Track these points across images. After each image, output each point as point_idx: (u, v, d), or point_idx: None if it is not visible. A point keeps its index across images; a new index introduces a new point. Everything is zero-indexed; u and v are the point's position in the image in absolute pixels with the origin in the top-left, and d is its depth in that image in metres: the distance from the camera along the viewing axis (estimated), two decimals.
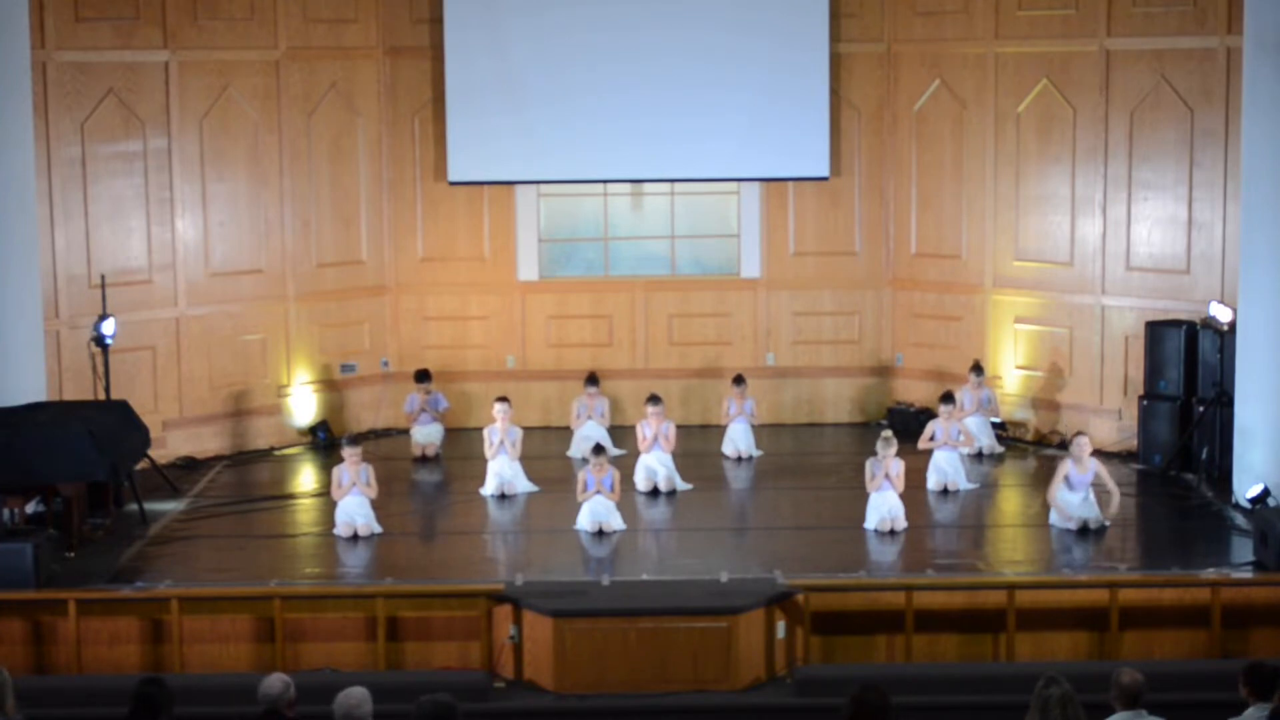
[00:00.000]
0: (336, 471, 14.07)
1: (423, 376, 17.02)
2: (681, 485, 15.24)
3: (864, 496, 13.95)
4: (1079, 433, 14.28)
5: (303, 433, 17.42)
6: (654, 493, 15.09)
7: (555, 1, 17.50)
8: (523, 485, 15.23)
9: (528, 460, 15.49)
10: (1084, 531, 13.50)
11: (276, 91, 17.00)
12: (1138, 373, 16.10)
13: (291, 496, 15.41)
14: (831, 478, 15.72)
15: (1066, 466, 13.75)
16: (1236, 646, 11.73)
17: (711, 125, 17.55)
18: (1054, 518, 13.78)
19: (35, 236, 14.52)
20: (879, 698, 7.24)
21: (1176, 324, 15.68)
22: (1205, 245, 15.93)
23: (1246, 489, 13.90)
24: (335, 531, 13.87)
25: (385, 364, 17.98)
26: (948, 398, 15.67)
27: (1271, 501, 13.61)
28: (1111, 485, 13.89)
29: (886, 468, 13.81)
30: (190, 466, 16.31)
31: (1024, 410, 17.16)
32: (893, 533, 13.64)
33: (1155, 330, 15.79)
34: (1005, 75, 17.04)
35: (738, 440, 16.54)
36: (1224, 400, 14.78)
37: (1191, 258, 16.05)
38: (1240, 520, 13.76)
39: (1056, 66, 16.68)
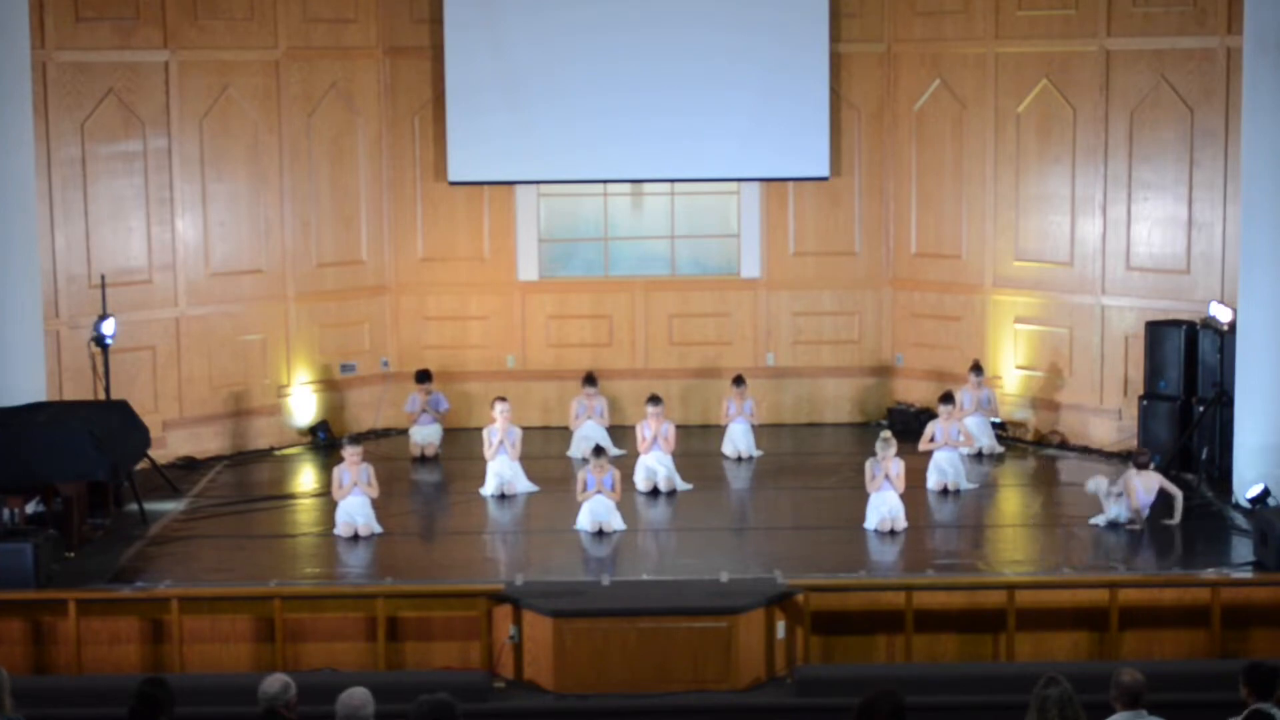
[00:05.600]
0: (337, 472, 14.07)
1: (423, 377, 17.02)
2: (681, 485, 15.24)
3: (864, 496, 13.95)
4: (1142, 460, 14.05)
5: (303, 433, 17.42)
6: (654, 493, 15.09)
7: (555, 1, 17.50)
8: (522, 485, 15.23)
9: (527, 460, 15.49)
10: (1115, 526, 13.58)
11: (276, 91, 17.01)
12: (1138, 373, 16.10)
13: (291, 496, 15.41)
14: (831, 478, 15.72)
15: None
16: (1236, 646, 11.74)
17: (712, 125, 17.56)
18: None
19: (35, 236, 14.52)
20: (892, 700, 7.22)
21: (1176, 324, 15.68)
22: (1205, 245, 15.94)
23: (1246, 489, 13.91)
24: (335, 531, 13.87)
25: (385, 364, 17.98)
26: (947, 398, 15.67)
27: (1271, 501, 13.62)
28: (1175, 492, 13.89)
29: (886, 468, 13.81)
30: (190, 466, 16.30)
31: (1024, 410, 17.16)
32: (893, 533, 13.65)
33: (1155, 330, 15.79)
34: (1005, 75, 17.04)
35: (738, 440, 16.54)
36: (1224, 400, 14.78)
37: (1191, 258, 16.05)
38: (1240, 520, 13.77)
39: (1056, 66, 16.68)
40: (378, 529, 13.89)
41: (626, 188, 18.23)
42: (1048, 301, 16.99)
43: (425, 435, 16.80)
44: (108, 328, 15.10)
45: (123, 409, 14.67)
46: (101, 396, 15.27)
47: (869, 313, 18.16)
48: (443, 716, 7.43)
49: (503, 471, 15.15)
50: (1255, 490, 13.75)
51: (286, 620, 11.78)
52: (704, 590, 11.95)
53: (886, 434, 14.25)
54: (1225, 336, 14.84)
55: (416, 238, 17.99)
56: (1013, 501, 15.22)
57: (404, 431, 17.19)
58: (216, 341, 16.81)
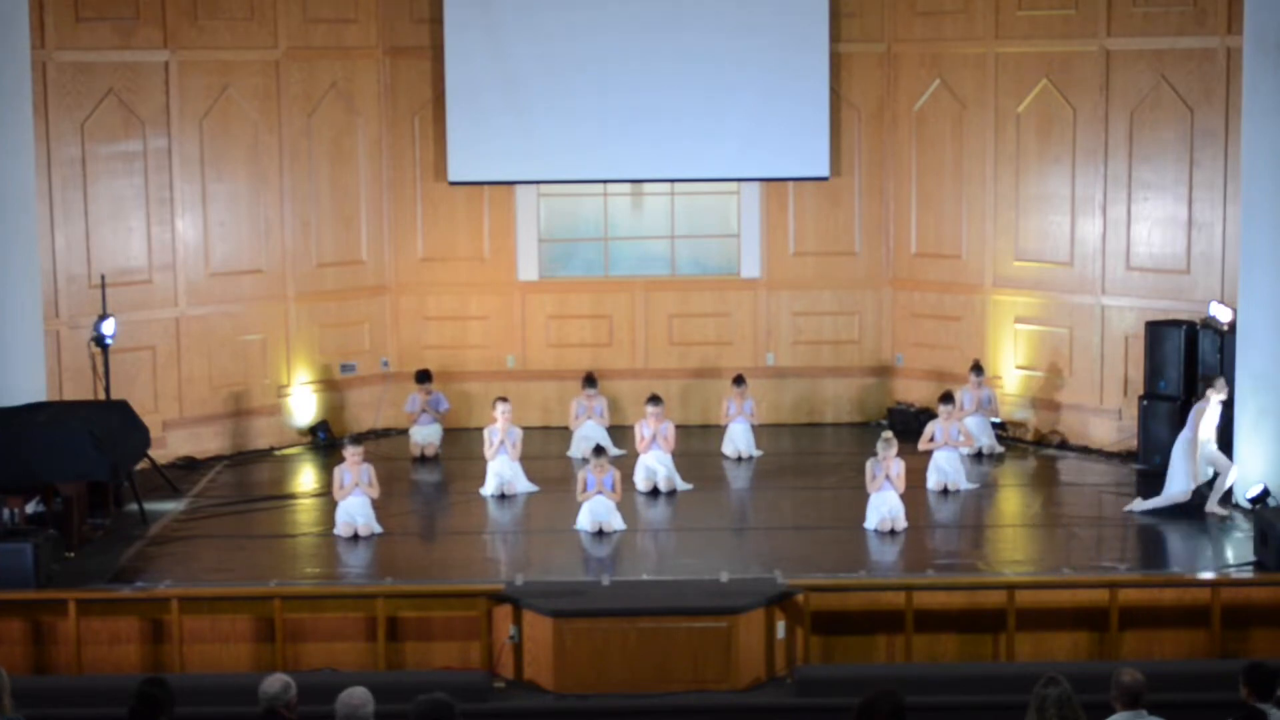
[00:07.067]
0: (338, 472, 14.06)
1: (424, 377, 17.02)
2: (681, 485, 15.24)
3: (864, 496, 13.95)
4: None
5: (303, 433, 17.42)
6: (654, 493, 15.09)
7: (555, 2, 17.50)
8: (522, 485, 15.23)
9: (527, 460, 15.49)
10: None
11: (276, 91, 17.00)
12: (1138, 373, 16.10)
13: (291, 496, 15.41)
14: (831, 478, 15.72)
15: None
16: (1236, 646, 11.74)
17: (712, 125, 17.55)
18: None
19: (35, 236, 14.52)
20: (892, 700, 7.20)
21: (1176, 324, 15.67)
22: (1205, 245, 15.94)
23: (1246, 489, 13.91)
24: (335, 531, 13.87)
25: (385, 364, 17.98)
26: (947, 398, 15.67)
27: (1271, 501, 13.62)
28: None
29: (887, 468, 13.81)
30: (190, 466, 16.31)
31: (1024, 410, 17.16)
32: (893, 533, 13.65)
33: (1155, 330, 15.78)
34: (1005, 75, 17.04)
35: (738, 440, 16.54)
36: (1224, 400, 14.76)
37: (1191, 258, 16.05)
38: (1240, 520, 13.77)
39: (1056, 66, 16.68)
40: (378, 529, 13.89)
41: (626, 188, 18.23)
42: (1048, 301, 16.99)
43: (425, 435, 16.80)
44: (108, 328, 15.10)
45: (123, 409, 14.67)
46: (101, 396, 15.27)
47: (869, 313, 18.15)
48: (441, 716, 7.42)
49: (503, 471, 15.15)
50: (1255, 490, 13.75)
51: (286, 620, 11.78)
52: (704, 590, 11.95)
53: (888, 434, 14.25)
54: (1225, 336, 14.84)
55: (416, 238, 17.98)
56: (1013, 501, 15.22)
57: (404, 431, 17.19)
58: (216, 341, 16.81)
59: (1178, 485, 14.04)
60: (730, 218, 18.23)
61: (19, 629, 11.87)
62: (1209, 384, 14.02)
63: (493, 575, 12.66)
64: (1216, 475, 14.05)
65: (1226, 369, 14.65)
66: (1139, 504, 14.23)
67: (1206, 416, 13.90)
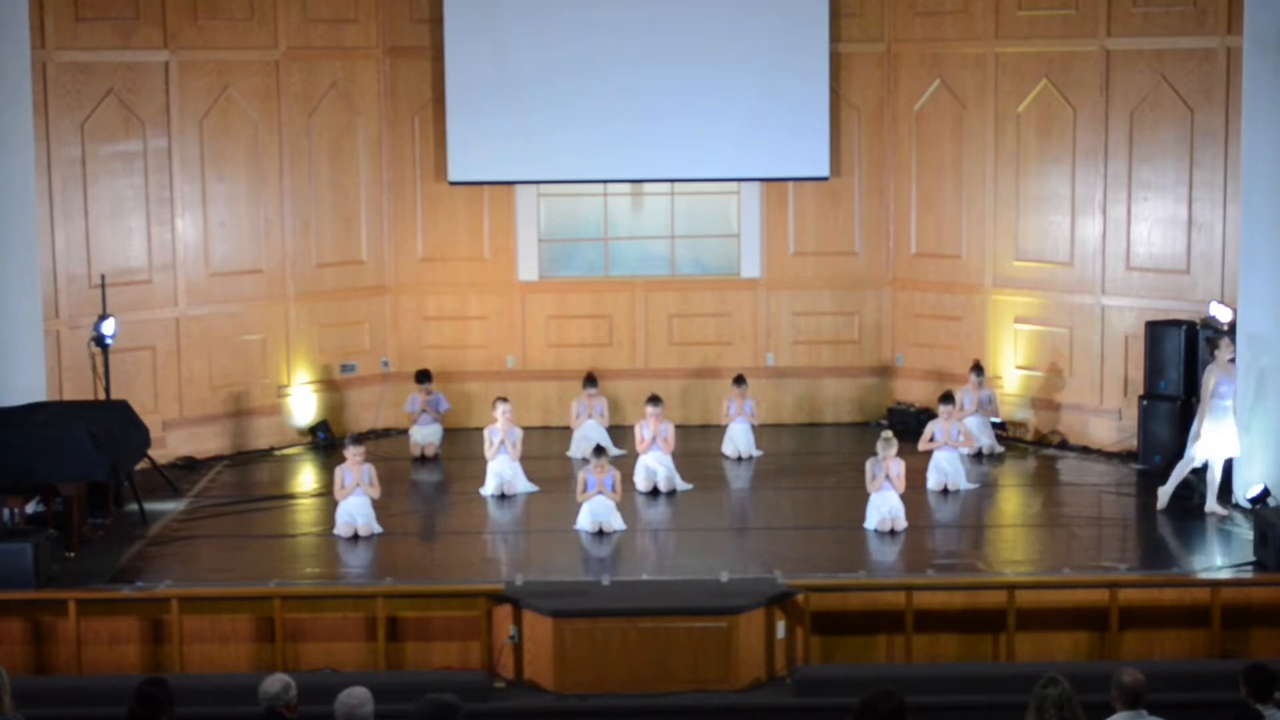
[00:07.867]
0: (339, 472, 14.06)
1: (423, 377, 17.02)
2: (681, 485, 15.24)
3: (864, 496, 13.95)
4: None
5: (303, 433, 17.42)
6: (654, 493, 15.09)
7: (556, 2, 17.49)
8: (522, 485, 15.23)
9: (528, 460, 15.48)
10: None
11: (276, 91, 17.00)
12: (1138, 373, 16.10)
13: (291, 496, 15.41)
14: (831, 478, 15.72)
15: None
16: (1236, 646, 11.74)
17: (712, 125, 17.54)
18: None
19: (35, 236, 14.52)
20: (892, 700, 7.19)
21: (1176, 324, 15.67)
22: (1205, 245, 15.94)
23: (1246, 489, 13.91)
24: (335, 531, 13.87)
25: (385, 364, 17.98)
26: (947, 398, 15.67)
27: (1271, 501, 13.61)
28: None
29: (887, 468, 13.81)
30: (190, 466, 16.30)
31: (1024, 410, 17.16)
32: (893, 533, 13.65)
33: (1155, 330, 15.78)
34: (1005, 75, 17.04)
35: (738, 440, 16.54)
36: None
37: (1191, 258, 16.05)
38: (1240, 520, 13.77)
39: (1056, 66, 16.68)
40: (377, 529, 13.89)
41: (626, 188, 18.23)
42: (1048, 301, 16.99)
43: (425, 435, 16.81)
44: (108, 328, 15.11)
45: (123, 409, 14.68)
46: (101, 396, 15.27)
47: (869, 313, 18.15)
48: (445, 716, 7.41)
49: (503, 471, 15.15)
50: (1255, 490, 13.75)
51: (286, 620, 11.78)
52: (704, 590, 11.96)
53: (888, 434, 14.25)
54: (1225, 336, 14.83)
55: (416, 238, 17.98)
56: (1013, 501, 15.22)
57: (404, 431, 17.19)
58: (216, 341, 16.81)
59: (1188, 452, 14.04)
60: (730, 218, 18.23)
61: (19, 629, 11.88)
62: (1214, 346, 13.99)
63: (493, 575, 12.66)
64: (1209, 468, 14.01)
65: None
66: (1162, 494, 14.19)
67: (1219, 388, 13.81)
